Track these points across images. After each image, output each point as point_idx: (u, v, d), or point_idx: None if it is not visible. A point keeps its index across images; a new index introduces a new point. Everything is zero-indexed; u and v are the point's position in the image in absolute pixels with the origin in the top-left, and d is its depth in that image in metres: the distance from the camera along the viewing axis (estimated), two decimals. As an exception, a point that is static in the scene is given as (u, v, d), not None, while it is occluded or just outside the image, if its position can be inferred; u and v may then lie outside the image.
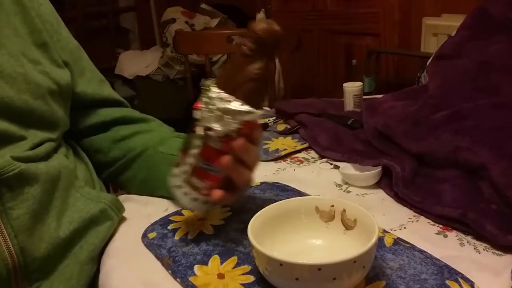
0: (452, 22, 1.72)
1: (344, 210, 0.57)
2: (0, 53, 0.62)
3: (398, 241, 0.59)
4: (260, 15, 2.77)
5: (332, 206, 0.58)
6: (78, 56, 0.78)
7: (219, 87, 0.55)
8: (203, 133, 0.56)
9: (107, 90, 0.81)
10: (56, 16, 0.76)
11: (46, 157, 0.64)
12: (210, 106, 0.54)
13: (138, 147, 0.77)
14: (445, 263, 0.54)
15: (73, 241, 0.63)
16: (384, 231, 0.62)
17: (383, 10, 2.19)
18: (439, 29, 1.88)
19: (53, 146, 0.67)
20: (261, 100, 0.56)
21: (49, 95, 0.66)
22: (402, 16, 2.16)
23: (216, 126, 0.54)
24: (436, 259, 0.55)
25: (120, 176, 0.79)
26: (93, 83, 0.79)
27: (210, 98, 0.55)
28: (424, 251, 0.57)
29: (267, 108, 0.59)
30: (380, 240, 0.59)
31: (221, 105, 0.54)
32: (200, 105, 0.56)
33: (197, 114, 0.56)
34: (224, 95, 0.54)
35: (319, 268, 0.46)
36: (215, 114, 0.54)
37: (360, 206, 0.56)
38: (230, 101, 0.54)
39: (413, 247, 0.58)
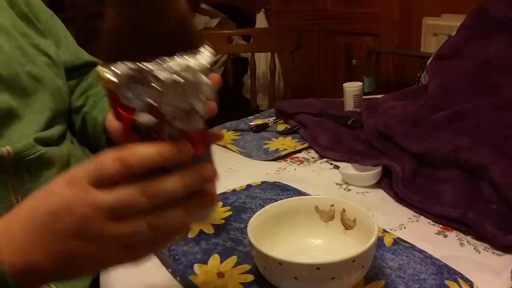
0: (452, 22, 1.72)
1: (344, 209, 0.57)
2: None
3: (397, 241, 0.59)
4: (260, 15, 2.77)
5: (332, 205, 0.58)
6: (54, 24, 0.78)
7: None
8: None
9: (85, 55, 0.82)
10: None
11: (58, 141, 0.67)
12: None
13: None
14: (445, 263, 0.54)
15: None
16: (384, 231, 0.62)
17: (383, 10, 2.19)
18: (439, 29, 1.88)
19: (63, 130, 0.69)
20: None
21: (47, 66, 0.68)
22: (402, 16, 2.16)
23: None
24: (436, 259, 0.55)
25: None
26: (71, 48, 0.80)
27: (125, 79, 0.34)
28: (424, 251, 0.57)
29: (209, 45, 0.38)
30: (380, 240, 0.59)
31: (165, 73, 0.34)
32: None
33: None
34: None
35: (317, 267, 0.46)
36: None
37: (360, 206, 0.56)
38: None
39: (412, 247, 0.58)
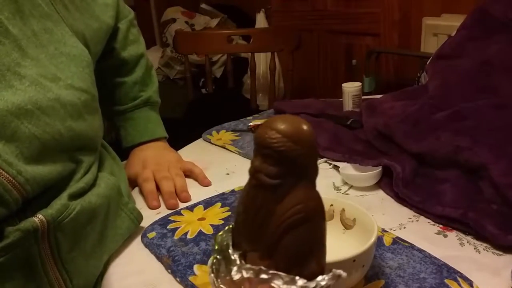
0: (452, 22, 1.72)
1: (343, 209, 0.57)
2: (25, 86, 0.51)
3: (397, 240, 0.59)
4: (260, 15, 2.77)
5: (331, 205, 0.58)
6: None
7: (240, 250, 0.34)
8: None
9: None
10: None
11: (94, 183, 0.59)
12: None
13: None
14: (444, 262, 0.54)
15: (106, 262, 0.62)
16: (383, 230, 0.62)
17: (383, 10, 2.19)
18: (439, 29, 1.88)
19: (97, 166, 0.63)
20: (315, 259, 0.34)
21: (84, 109, 0.59)
22: (402, 16, 2.16)
23: None
24: (435, 258, 0.55)
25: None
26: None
27: (231, 273, 0.33)
28: (423, 250, 0.57)
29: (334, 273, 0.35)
30: (379, 239, 0.59)
31: None
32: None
33: None
34: (255, 269, 0.32)
35: None
36: None
37: (359, 206, 0.56)
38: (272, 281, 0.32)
39: (412, 246, 0.58)
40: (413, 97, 0.96)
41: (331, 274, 0.33)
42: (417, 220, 0.66)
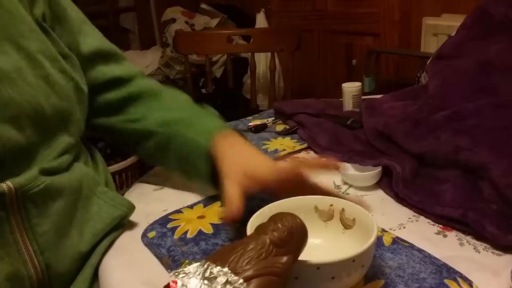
0: (452, 22, 1.72)
1: (343, 209, 0.57)
2: (19, 57, 0.57)
3: (397, 240, 0.59)
4: (260, 15, 2.77)
5: (331, 205, 0.58)
6: (82, 34, 0.71)
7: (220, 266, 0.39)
8: None
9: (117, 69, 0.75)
10: None
11: (68, 167, 0.62)
12: None
13: (164, 134, 0.71)
14: (444, 262, 0.54)
15: (92, 251, 0.63)
16: (383, 230, 0.62)
17: (383, 10, 2.19)
18: (439, 29, 1.88)
19: (74, 155, 0.65)
20: None
21: (71, 92, 0.63)
22: (402, 16, 2.16)
23: None
24: (435, 258, 0.55)
25: (150, 159, 0.77)
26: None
27: (206, 278, 0.38)
28: (423, 250, 0.57)
29: None
30: (379, 239, 0.59)
31: None
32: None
33: None
34: (234, 278, 0.38)
35: (317, 267, 0.45)
36: None
37: (359, 206, 0.56)
38: None
39: (412, 246, 0.58)
40: (413, 97, 0.96)
41: None
42: (416, 220, 0.66)
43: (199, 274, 0.38)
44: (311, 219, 0.58)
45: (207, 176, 0.66)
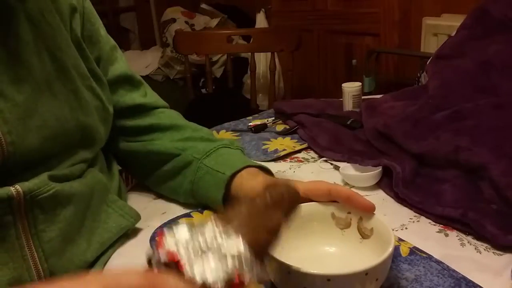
0: (452, 22, 1.72)
1: (361, 218, 0.55)
2: (52, 68, 0.57)
3: (414, 251, 0.57)
4: (260, 15, 2.77)
5: (349, 213, 0.56)
6: (112, 58, 0.73)
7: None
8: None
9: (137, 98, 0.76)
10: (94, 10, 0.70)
11: (80, 175, 0.61)
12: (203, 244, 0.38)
13: (182, 159, 0.72)
14: (463, 275, 0.52)
15: (97, 260, 0.62)
16: (400, 239, 0.60)
17: (383, 10, 2.19)
18: (439, 29, 1.88)
19: (88, 164, 0.64)
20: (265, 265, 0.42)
21: (96, 112, 0.63)
22: (402, 16, 2.16)
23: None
24: (453, 270, 0.53)
25: (161, 185, 0.76)
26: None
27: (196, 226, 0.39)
28: (441, 262, 0.55)
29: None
30: (396, 249, 0.56)
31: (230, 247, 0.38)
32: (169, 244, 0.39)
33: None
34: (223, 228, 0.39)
35: (328, 278, 0.44)
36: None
37: (378, 215, 0.54)
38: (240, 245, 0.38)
39: (429, 257, 0.56)
40: (413, 97, 0.96)
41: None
42: (418, 220, 0.66)
43: (188, 225, 0.39)
44: (327, 226, 0.56)
45: (220, 196, 0.66)
